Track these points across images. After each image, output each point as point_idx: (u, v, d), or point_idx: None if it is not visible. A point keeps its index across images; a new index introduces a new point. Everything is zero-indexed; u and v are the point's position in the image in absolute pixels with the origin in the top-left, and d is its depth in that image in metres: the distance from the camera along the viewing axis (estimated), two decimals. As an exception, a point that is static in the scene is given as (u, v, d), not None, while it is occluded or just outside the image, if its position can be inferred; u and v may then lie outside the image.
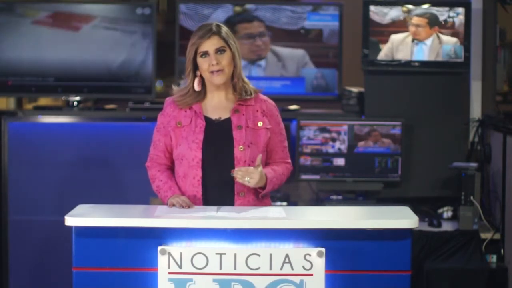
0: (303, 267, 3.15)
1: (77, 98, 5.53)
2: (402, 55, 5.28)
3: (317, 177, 5.26)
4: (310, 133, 5.24)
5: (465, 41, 5.27)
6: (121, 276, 3.17)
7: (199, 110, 3.54)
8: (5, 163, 5.48)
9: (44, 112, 5.55)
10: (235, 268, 3.15)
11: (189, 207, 3.40)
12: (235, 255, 3.15)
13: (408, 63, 5.28)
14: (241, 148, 3.49)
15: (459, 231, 4.86)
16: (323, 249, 3.15)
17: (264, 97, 3.62)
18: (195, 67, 3.53)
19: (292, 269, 3.15)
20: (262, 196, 3.52)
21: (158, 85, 5.98)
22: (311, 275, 3.15)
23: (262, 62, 5.62)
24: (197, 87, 3.54)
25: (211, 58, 3.48)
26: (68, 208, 3.34)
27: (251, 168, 3.42)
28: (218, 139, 3.50)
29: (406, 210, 3.40)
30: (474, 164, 5.05)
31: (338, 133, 5.24)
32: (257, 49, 5.61)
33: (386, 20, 5.28)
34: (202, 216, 3.25)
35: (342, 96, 5.57)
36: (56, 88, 5.53)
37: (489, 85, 5.44)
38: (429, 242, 4.80)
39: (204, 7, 5.60)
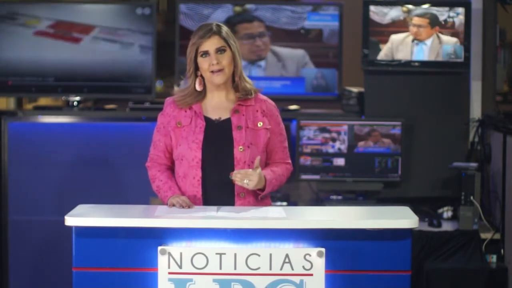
0: (303, 267, 3.15)
1: (77, 98, 5.53)
2: (402, 55, 5.28)
3: (317, 177, 5.26)
4: (310, 133, 5.24)
5: (465, 41, 5.27)
6: (121, 276, 3.17)
7: (199, 110, 3.54)
8: (5, 163, 5.48)
9: (44, 112, 5.55)
10: (235, 268, 3.15)
11: (189, 207, 3.40)
12: (235, 255, 3.15)
13: (408, 63, 5.28)
14: (241, 148, 3.49)
15: (459, 231, 4.86)
16: (323, 249, 3.15)
17: (264, 97, 3.62)
18: (196, 67, 3.53)
19: (292, 269, 3.15)
20: (261, 198, 3.52)
21: (158, 85, 5.98)
22: (311, 275, 3.15)
23: (262, 63, 5.62)
24: (198, 87, 3.54)
25: (211, 58, 3.48)
26: (68, 208, 3.34)
27: (250, 170, 3.42)
28: (218, 139, 3.50)
29: (406, 210, 3.40)
30: (474, 164, 5.05)
31: (338, 133, 5.24)
32: (257, 49, 5.61)
33: (386, 20, 5.28)
34: (202, 216, 3.25)
35: (342, 96, 5.57)
36: (56, 88, 5.53)
37: (489, 85, 5.44)
38: (429, 242, 4.80)
39: (204, 7, 5.60)
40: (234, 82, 3.55)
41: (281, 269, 3.15)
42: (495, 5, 5.36)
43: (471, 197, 4.92)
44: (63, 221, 3.18)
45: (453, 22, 5.27)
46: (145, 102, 5.50)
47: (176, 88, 3.62)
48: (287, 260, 3.15)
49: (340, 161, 5.25)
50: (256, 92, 3.59)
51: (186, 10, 5.59)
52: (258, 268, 3.15)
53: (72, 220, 3.18)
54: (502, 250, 4.90)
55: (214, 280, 3.15)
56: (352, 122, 5.25)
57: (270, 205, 3.61)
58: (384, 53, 5.28)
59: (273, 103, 3.63)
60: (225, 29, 3.53)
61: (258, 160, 3.43)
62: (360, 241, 3.19)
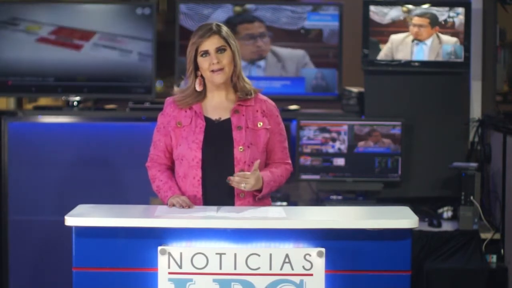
0: (303, 267, 3.15)
1: (77, 98, 5.53)
2: (402, 55, 5.28)
3: (317, 177, 5.26)
4: (310, 133, 5.24)
5: (465, 41, 5.27)
6: (121, 276, 3.17)
7: (199, 110, 3.54)
8: (5, 163, 5.48)
9: (44, 112, 5.55)
10: (235, 268, 3.15)
11: (189, 207, 3.40)
12: (235, 255, 3.15)
13: (408, 63, 5.28)
14: (241, 148, 3.49)
15: (459, 231, 4.86)
16: (323, 249, 3.15)
17: (264, 97, 3.62)
18: (196, 67, 3.53)
19: (292, 269, 3.15)
20: (258, 198, 3.52)
21: (158, 85, 5.98)
22: (311, 275, 3.15)
23: (262, 63, 5.62)
24: (198, 87, 3.54)
25: (211, 57, 3.48)
26: (68, 208, 3.34)
27: (247, 173, 3.41)
28: (218, 140, 3.50)
29: (406, 210, 3.40)
30: (474, 164, 5.05)
31: (338, 133, 5.24)
32: (258, 49, 5.61)
33: (386, 20, 5.28)
34: (202, 216, 3.25)
35: (342, 96, 5.57)
36: (56, 88, 5.53)
37: (489, 85, 5.44)
38: (429, 242, 4.80)
39: (204, 7, 5.60)
40: (232, 82, 3.55)
41: (281, 269, 3.15)
42: (495, 5, 5.36)
43: (471, 197, 4.92)
44: (63, 221, 3.18)
45: (453, 22, 5.27)
46: (145, 102, 5.50)
47: (176, 88, 3.62)
48: (287, 260, 3.15)
49: (340, 161, 5.25)
50: (256, 92, 3.59)
51: (186, 10, 5.59)
52: (258, 268, 3.15)
53: (72, 220, 3.18)
54: (502, 250, 4.90)
55: (214, 280, 3.15)
56: (352, 122, 5.25)
57: (270, 205, 3.61)
58: (384, 53, 5.28)
59: (273, 103, 3.63)
60: (225, 28, 3.53)
61: (257, 164, 3.43)
62: (360, 241, 3.19)
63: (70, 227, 3.19)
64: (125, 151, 5.50)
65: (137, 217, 3.22)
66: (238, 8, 5.60)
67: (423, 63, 5.28)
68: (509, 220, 4.83)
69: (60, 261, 5.33)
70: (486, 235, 4.88)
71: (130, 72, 5.51)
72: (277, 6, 5.60)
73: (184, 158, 3.50)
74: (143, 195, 5.15)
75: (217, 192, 3.50)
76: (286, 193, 5.33)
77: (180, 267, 3.15)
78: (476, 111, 5.43)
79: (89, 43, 5.49)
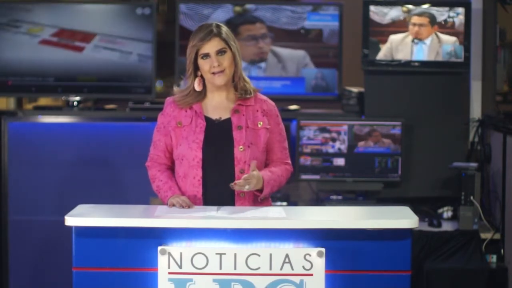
0: (303, 267, 3.15)
1: (77, 98, 5.53)
2: (402, 55, 5.28)
3: (317, 177, 5.26)
4: (310, 133, 5.24)
5: (465, 41, 5.27)
6: (121, 276, 3.17)
7: (199, 110, 3.54)
8: (5, 163, 5.48)
9: (44, 112, 5.55)
10: (235, 268, 3.15)
11: (189, 207, 3.40)
12: (235, 255, 3.15)
13: (408, 63, 5.28)
14: (241, 148, 3.49)
15: (459, 231, 4.86)
16: (323, 249, 3.15)
17: (264, 97, 3.62)
18: (196, 68, 3.53)
19: (292, 269, 3.15)
20: (261, 199, 3.51)
21: (158, 85, 5.98)
22: (311, 275, 3.15)
23: (262, 63, 5.62)
24: (197, 87, 3.54)
25: (212, 60, 3.48)
26: (68, 208, 3.34)
27: (247, 175, 3.41)
28: (218, 139, 3.50)
29: (406, 210, 3.40)
30: (474, 164, 5.05)
31: (338, 133, 5.24)
32: (259, 51, 5.61)
33: (386, 20, 5.28)
34: (202, 216, 3.25)
35: (342, 96, 5.57)
36: (56, 88, 5.53)
37: (489, 85, 5.44)
38: (429, 242, 4.80)
39: (204, 7, 5.60)
40: (233, 82, 3.55)
41: (281, 269, 3.15)
42: (495, 5, 5.36)
43: (471, 197, 4.92)
44: (63, 221, 3.18)
45: (453, 22, 5.27)
46: (145, 102, 5.50)
47: (176, 88, 3.62)
48: (287, 260, 3.15)
49: (340, 161, 5.25)
50: (256, 92, 3.59)
51: (186, 10, 5.59)
52: (258, 268, 3.15)
53: (72, 220, 3.18)
54: (502, 250, 4.90)
55: (214, 280, 3.15)
56: (352, 122, 5.25)
57: (270, 205, 3.61)
58: (383, 53, 5.28)
59: (273, 103, 3.63)
60: (225, 29, 3.53)
61: (254, 164, 3.43)
62: (360, 241, 3.19)
63: (70, 227, 3.19)
64: (125, 151, 5.50)
65: (137, 217, 3.22)
66: (238, 8, 5.60)
67: (423, 63, 5.28)
68: (509, 220, 4.83)
69: (60, 261, 5.33)
70: (486, 235, 4.88)
71: (130, 72, 5.51)
72: (277, 6, 5.60)
73: (185, 158, 3.50)
74: (143, 195, 5.15)
75: (217, 192, 3.50)
76: (286, 193, 5.33)
77: (180, 267, 3.15)
78: (476, 111, 5.43)
79: (90, 44, 5.49)
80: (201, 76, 3.54)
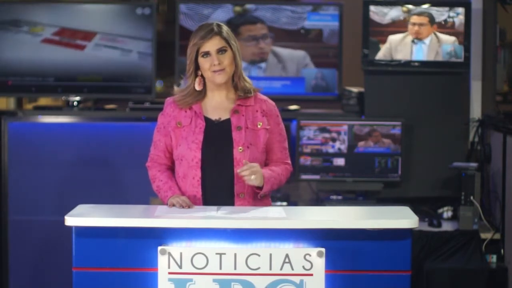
0: (303, 267, 3.15)
1: (77, 98, 5.53)
2: (401, 55, 5.27)
3: (317, 177, 5.26)
4: (310, 133, 5.24)
5: (465, 41, 5.27)
6: (121, 276, 3.17)
7: (199, 110, 3.54)
8: (5, 163, 5.48)
9: (44, 112, 5.55)
10: (235, 268, 3.15)
11: (189, 207, 3.40)
12: (235, 255, 3.15)
13: (408, 63, 5.28)
14: (240, 149, 3.49)
15: (459, 231, 4.86)
16: (323, 249, 3.15)
17: (264, 97, 3.62)
18: (197, 67, 3.53)
19: (292, 269, 3.15)
20: (261, 196, 3.52)
21: (158, 85, 5.98)
22: (311, 275, 3.15)
23: (262, 64, 5.62)
24: (198, 86, 3.54)
25: (212, 58, 3.48)
26: (68, 208, 3.34)
27: (253, 164, 3.41)
28: (217, 140, 3.50)
29: (406, 210, 3.40)
30: (474, 164, 5.05)
31: (338, 133, 5.24)
32: (260, 51, 5.61)
33: (386, 20, 5.28)
34: (202, 216, 3.25)
35: (342, 96, 5.57)
36: (56, 88, 5.53)
37: (489, 85, 5.44)
38: (429, 242, 4.80)
39: (204, 7, 5.60)
40: (233, 82, 3.56)
41: (281, 269, 3.15)
42: (495, 5, 5.36)
43: (471, 197, 4.93)
44: (63, 221, 3.18)
45: (453, 22, 5.27)
46: (145, 102, 5.50)
47: (176, 88, 3.63)
48: (287, 260, 3.15)
49: (340, 161, 5.25)
50: (256, 91, 3.59)
51: (186, 10, 5.59)
52: (258, 268, 3.15)
53: (72, 220, 3.18)
54: (502, 250, 4.90)
55: (214, 280, 3.15)
56: (352, 122, 5.25)
57: (270, 205, 3.61)
58: (382, 53, 5.28)
59: (273, 103, 3.63)
60: (225, 29, 3.53)
61: (246, 163, 3.43)
62: (360, 241, 3.19)
63: (70, 227, 3.19)
64: (125, 151, 5.50)
65: (137, 217, 3.22)
66: (238, 8, 5.60)
67: (423, 63, 5.28)
68: (509, 220, 4.83)
69: (60, 261, 5.33)
70: (486, 235, 4.88)
71: (130, 71, 5.51)
72: (277, 6, 5.60)
73: (184, 158, 3.50)
74: (143, 195, 5.15)
75: (217, 192, 3.50)
76: (286, 193, 5.33)
77: (180, 267, 3.15)
78: (476, 111, 5.43)
79: (91, 43, 5.49)
80: (202, 76, 3.54)
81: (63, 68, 5.51)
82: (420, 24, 5.25)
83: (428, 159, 5.32)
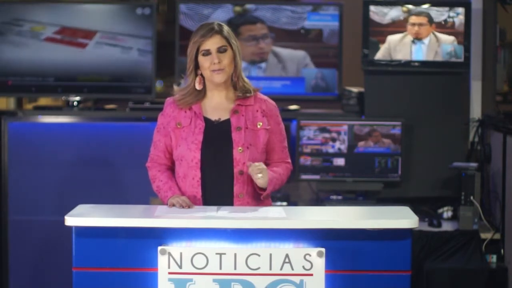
0: (303, 267, 3.15)
1: (77, 98, 5.53)
2: (401, 55, 5.27)
3: (317, 177, 5.26)
4: (310, 133, 5.24)
5: (465, 41, 5.27)
6: (121, 276, 3.17)
7: (198, 111, 3.54)
8: (5, 163, 5.48)
9: (44, 112, 5.55)
10: (235, 268, 3.15)
11: (189, 207, 3.40)
12: (235, 255, 3.15)
13: (408, 63, 5.28)
14: (240, 149, 3.49)
15: (459, 231, 4.86)
16: (323, 249, 3.15)
17: (264, 97, 3.62)
18: (197, 65, 3.53)
19: (292, 269, 3.15)
20: (263, 197, 3.51)
21: (158, 85, 5.98)
22: (311, 275, 3.15)
23: (262, 64, 5.62)
24: (197, 86, 3.54)
25: (212, 57, 3.48)
26: (68, 208, 3.34)
27: (262, 164, 3.42)
28: (217, 140, 3.50)
29: (406, 210, 3.40)
30: (474, 164, 5.05)
31: (338, 133, 5.24)
32: (260, 51, 5.61)
33: (386, 20, 5.28)
34: (202, 216, 3.25)
35: (342, 96, 5.57)
36: (56, 88, 5.53)
37: (489, 85, 5.44)
38: (429, 242, 4.80)
39: (204, 7, 5.60)
40: (232, 81, 3.55)
41: (281, 269, 3.15)
42: (495, 5, 5.36)
43: (471, 197, 4.92)
44: (63, 221, 3.18)
45: (453, 22, 5.27)
46: (145, 102, 5.50)
47: (176, 87, 3.62)
48: (287, 260, 3.15)
49: (340, 161, 5.25)
50: (255, 91, 3.59)
51: (186, 10, 5.59)
52: (258, 268, 3.15)
53: (72, 220, 3.18)
54: (502, 250, 4.90)
55: (214, 280, 3.15)
56: (352, 122, 5.25)
57: (270, 205, 3.61)
58: (381, 53, 5.28)
59: (273, 102, 3.63)
60: (226, 28, 3.54)
61: (249, 165, 3.43)
62: (360, 241, 3.19)
63: (70, 227, 3.19)
64: (125, 151, 5.50)
65: (137, 217, 3.22)
66: (238, 8, 5.60)
67: (423, 63, 5.28)
68: (509, 220, 4.83)
69: (60, 261, 5.33)
70: (486, 235, 4.88)
71: (130, 71, 5.51)
72: (277, 6, 5.60)
73: (184, 158, 3.50)
74: (143, 195, 5.15)
75: (217, 192, 3.50)
76: (286, 193, 5.33)
77: (180, 267, 3.15)
78: (476, 111, 5.43)
79: (92, 41, 5.49)
80: (201, 75, 3.54)
81: (63, 68, 5.51)
82: (420, 24, 5.25)
83: (428, 159, 5.32)
